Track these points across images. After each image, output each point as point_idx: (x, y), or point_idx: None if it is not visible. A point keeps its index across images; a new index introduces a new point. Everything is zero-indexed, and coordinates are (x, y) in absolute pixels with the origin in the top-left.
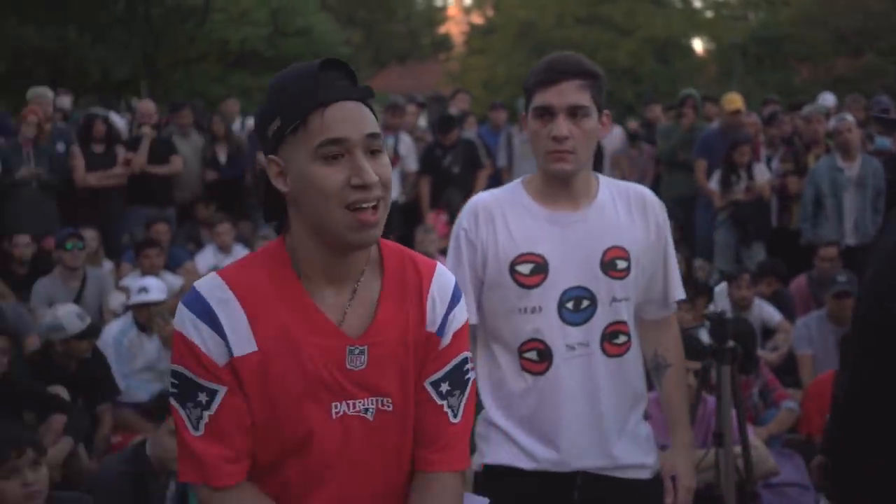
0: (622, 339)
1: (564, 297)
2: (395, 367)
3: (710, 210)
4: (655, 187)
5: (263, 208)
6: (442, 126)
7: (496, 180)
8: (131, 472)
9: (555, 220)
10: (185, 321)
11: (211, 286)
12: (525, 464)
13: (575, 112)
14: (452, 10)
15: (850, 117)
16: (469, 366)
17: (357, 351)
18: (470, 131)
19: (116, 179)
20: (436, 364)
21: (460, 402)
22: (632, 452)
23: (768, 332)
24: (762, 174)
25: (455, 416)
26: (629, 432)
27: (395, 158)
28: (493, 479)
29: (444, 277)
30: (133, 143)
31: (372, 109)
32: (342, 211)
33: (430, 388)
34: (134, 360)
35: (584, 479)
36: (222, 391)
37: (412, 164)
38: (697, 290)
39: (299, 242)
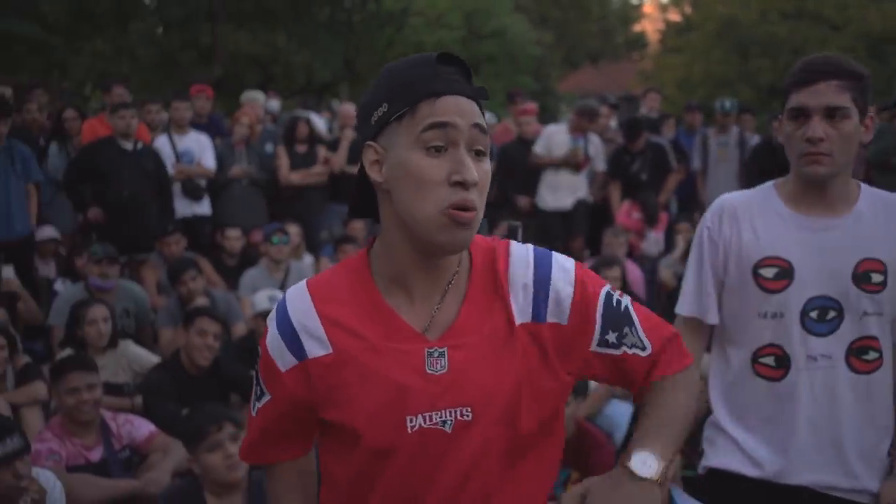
0: (872, 355)
1: (809, 305)
2: (483, 371)
3: None
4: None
5: (350, 202)
6: (629, 131)
7: (689, 184)
8: None
9: (805, 226)
10: (269, 320)
11: (294, 293)
12: (750, 471)
13: (833, 113)
14: (648, 8)
15: None
16: (616, 296)
17: (436, 353)
18: (668, 134)
19: (317, 178)
20: (583, 332)
21: (637, 333)
22: (868, 476)
23: None
24: None
25: (643, 348)
26: (868, 454)
27: (586, 160)
28: (715, 483)
29: (518, 257)
30: (334, 144)
31: (482, 111)
32: (437, 209)
33: (600, 350)
34: None
35: (811, 495)
36: (267, 397)
37: (600, 165)
38: None
39: (387, 241)
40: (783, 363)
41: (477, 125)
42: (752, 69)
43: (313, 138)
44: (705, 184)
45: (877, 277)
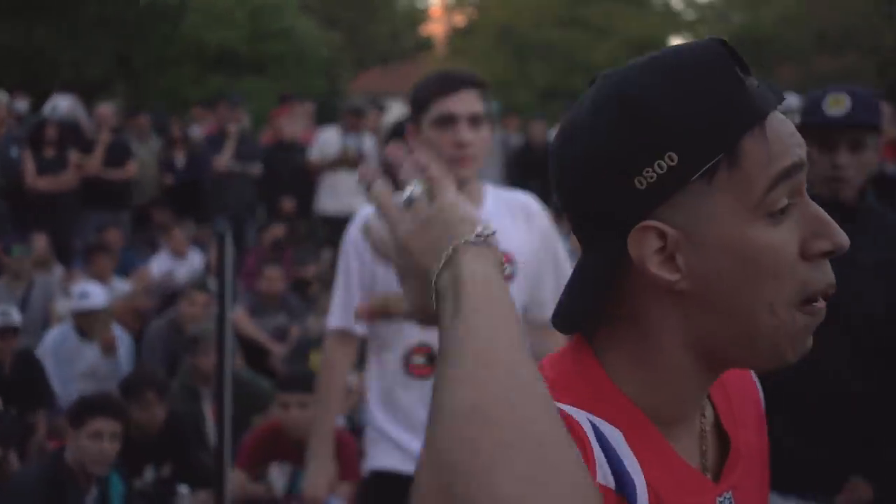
0: None
1: None
2: None
3: None
4: None
5: (574, 312)
6: (392, 135)
7: None
8: (47, 479)
9: None
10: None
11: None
12: (413, 467)
13: (476, 120)
14: (435, 11)
15: None
16: None
17: (726, 500)
18: None
19: (67, 184)
20: None
21: None
22: None
23: None
24: None
25: None
26: None
27: (361, 158)
28: (380, 484)
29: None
30: (89, 146)
31: None
32: (792, 306)
33: None
34: (73, 366)
35: None
36: None
37: (374, 164)
38: None
39: (661, 365)
40: (433, 360)
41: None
42: (529, 72)
43: (63, 141)
44: None
45: (507, 269)
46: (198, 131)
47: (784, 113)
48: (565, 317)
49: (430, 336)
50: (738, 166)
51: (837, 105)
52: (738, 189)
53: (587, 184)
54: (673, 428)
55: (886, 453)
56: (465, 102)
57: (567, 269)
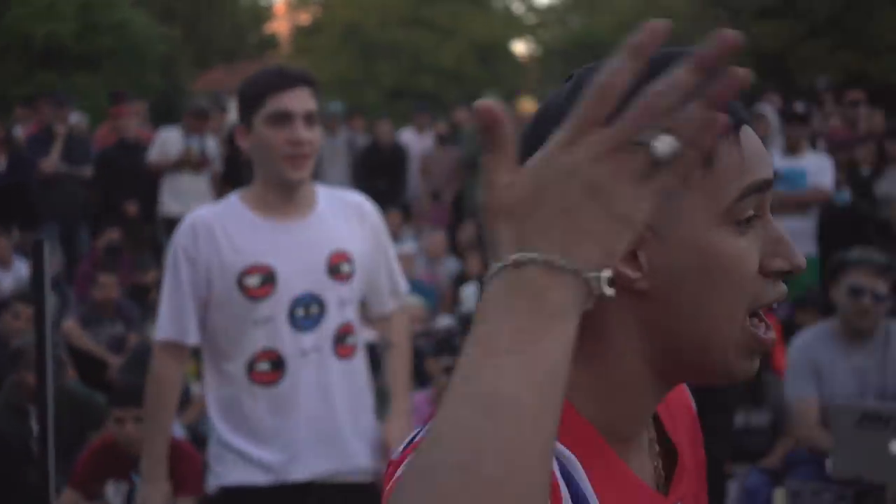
0: (350, 340)
1: (294, 304)
2: None
3: None
4: (462, 191)
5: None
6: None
7: None
8: None
9: (279, 229)
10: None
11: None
12: (261, 478)
13: (310, 118)
14: (279, 9)
15: None
16: None
17: None
18: None
19: None
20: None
21: None
22: (363, 454)
23: None
24: None
25: None
26: (361, 433)
27: (204, 160)
28: (229, 501)
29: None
30: None
31: None
32: (745, 317)
33: None
34: None
35: (319, 488)
36: None
37: (218, 166)
38: None
39: (616, 375)
40: (279, 366)
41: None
42: (376, 72)
43: None
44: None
45: (346, 267)
46: (21, 132)
47: None
48: None
49: (274, 340)
50: (712, 168)
51: None
52: (709, 191)
53: None
54: (627, 445)
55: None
56: (301, 100)
57: (395, 265)
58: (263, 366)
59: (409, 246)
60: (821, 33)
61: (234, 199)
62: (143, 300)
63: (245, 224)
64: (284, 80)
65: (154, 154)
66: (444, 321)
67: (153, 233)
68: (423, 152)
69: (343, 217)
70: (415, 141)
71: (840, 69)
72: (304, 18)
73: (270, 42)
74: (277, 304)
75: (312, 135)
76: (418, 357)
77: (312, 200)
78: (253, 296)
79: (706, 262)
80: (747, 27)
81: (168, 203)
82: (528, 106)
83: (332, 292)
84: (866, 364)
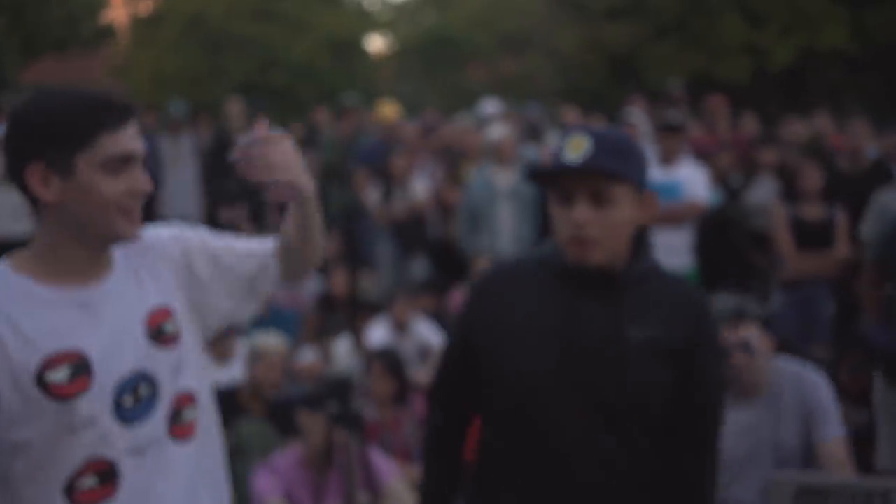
0: (189, 415)
1: (120, 391)
2: None
3: (372, 223)
4: (321, 197)
5: None
6: None
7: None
8: None
9: (79, 300)
10: None
11: None
12: None
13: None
14: None
15: (503, 127)
16: None
17: None
18: None
19: None
20: None
21: None
22: None
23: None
24: (420, 186)
25: None
26: None
27: None
28: None
29: None
30: None
31: None
32: None
33: None
34: None
35: None
36: None
37: None
38: (362, 302)
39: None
40: (109, 477)
41: None
42: (224, 67)
43: None
44: (161, 194)
45: (170, 327)
46: None
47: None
48: None
49: (100, 445)
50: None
51: (577, 149)
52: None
53: None
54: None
55: None
56: (137, 137)
57: (237, 243)
58: (88, 482)
59: None
60: (668, 35)
61: (3, 269)
62: None
63: (31, 302)
64: (120, 113)
65: None
66: (308, 356)
67: None
68: None
69: (145, 265)
70: None
71: (687, 71)
72: (145, 8)
73: (107, 32)
74: (98, 398)
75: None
76: (286, 408)
77: (103, 262)
78: (63, 394)
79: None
80: (597, 28)
81: None
82: (388, 110)
83: (162, 362)
84: (759, 420)
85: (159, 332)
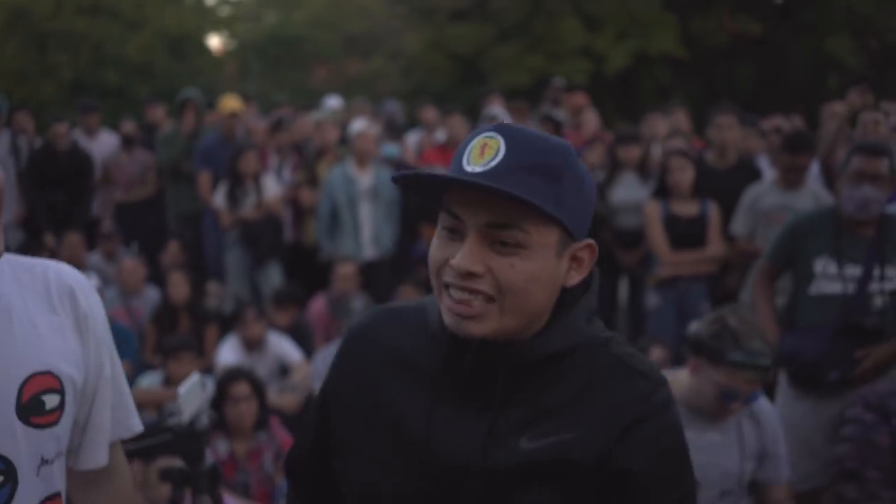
0: None
1: None
2: None
3: (218, 229)
4: (159, 202)
5: None
6: None
7: None
8: None
9: None
10: None
11: None
12: None
13: None
14: None
15: (364, 121)
16: None
17: None
18: None
19: None
20: None
21: None
22: None
23: (287, 369)
24: (272, 186)
25: None
26: None
27: None
28: None
29: None
30: None
31: None
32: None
33: None
34: None
35: None
36: None
37: None
38: (209, 316)
39: None
40: None
41: None
42: (51, 64)
43: None
44: None
45: (52, 400)
46: None
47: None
48: None
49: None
50: None
51: (480, 156)
52: None
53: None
54: None
55: None
56: None
57: (125, 388)
58: None
59: (94, 282)
60: (511, 37)
61: None
62: None
63: None
64: None
65: None
66: (151, 378)
67: None
68: (104, 158)
69: (39, 308)
70: (91, 145)
71: (529, 72)
72: None
73: None
74: None
75: None
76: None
77: None
78: None
79: None
80: (442, 30)
81: None
82: (231, 103)
83: (28, 447)
84: (721, 443)
85: (35, 407)
